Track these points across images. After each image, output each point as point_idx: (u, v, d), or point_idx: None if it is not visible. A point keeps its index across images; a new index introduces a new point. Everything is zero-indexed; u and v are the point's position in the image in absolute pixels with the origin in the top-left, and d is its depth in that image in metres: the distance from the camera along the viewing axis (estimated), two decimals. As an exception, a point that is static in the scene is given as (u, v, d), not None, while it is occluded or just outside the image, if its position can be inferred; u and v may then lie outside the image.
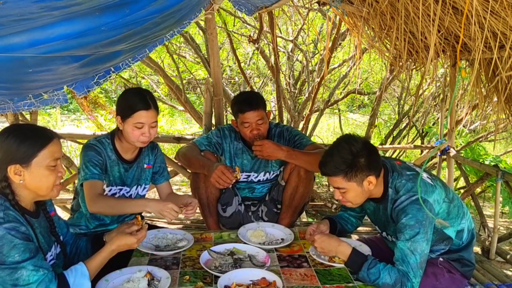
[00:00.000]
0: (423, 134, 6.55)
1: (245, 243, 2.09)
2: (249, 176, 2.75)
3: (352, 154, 1.80)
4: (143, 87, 2.49)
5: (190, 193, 2.82)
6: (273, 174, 2.77)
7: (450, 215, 1.90)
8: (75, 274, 1.53)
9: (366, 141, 1.89)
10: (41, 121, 8.88)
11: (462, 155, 4.47)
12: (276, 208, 2.71)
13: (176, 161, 3.24)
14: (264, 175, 2.76)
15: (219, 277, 1.72)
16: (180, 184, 5.90)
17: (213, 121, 3.44)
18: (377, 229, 2.14)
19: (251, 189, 2.82)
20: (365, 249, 2.02)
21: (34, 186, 1.54)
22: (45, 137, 1.56)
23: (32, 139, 1.53)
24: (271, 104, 7.03)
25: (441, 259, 1.97)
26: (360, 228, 3.63)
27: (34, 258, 1.44)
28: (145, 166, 2.33)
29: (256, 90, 6.36)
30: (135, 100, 2.10)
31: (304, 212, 4.15)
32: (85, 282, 1.55)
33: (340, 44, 5.42)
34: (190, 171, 3.02)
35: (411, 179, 1.85)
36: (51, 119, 9.39)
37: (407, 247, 1.76)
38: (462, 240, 1.99)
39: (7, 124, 3.21)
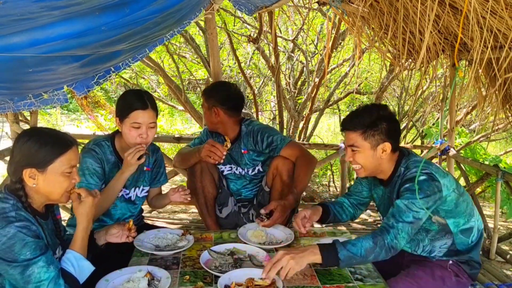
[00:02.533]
0: (423, 134, 6.55)
1: (245, 243, 2.09)
2: (231, 168, 2.77)
3: (378, 116, 1.87)
4: (143, 88, 2.48)
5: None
6: (249, 171, 2.74)
7: (457, 207, 1.90)
8: (72, 262, 1.56)
9: (393, 113, 1.98)
10: (41, 121, 8.88)
11: (461, 155, 4.47)
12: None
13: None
14: (242, 170, 2.76)
15: (219, 277, 1.72)
16: (180, 184, 5.90)
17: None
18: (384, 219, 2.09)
19: (238, 191, 2.82)
20: None
21: (46, 191, 1.56)
22: (64, 144, 1.57)
23: (51, 144, 1.54)
24: (271, 104, 7.03)
25: (450, 262, 1.95)
26: (359, 227, 3.64)
27: (44, 254, 1.46)
28: (145, 168, 2.32)
29: (256, 90, 6.36)
30: (132, 100, 2.10)
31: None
32: (85, 264, 1.59)
33: (340, 44, 5.42)
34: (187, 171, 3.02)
35: (427, 163, 1.89)
36: (51, 119, 9.39)
37: (404, 204, 1.75)
38: (472, 239, 1.97)
39: (7, 124, 3.22)
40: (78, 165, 1.69)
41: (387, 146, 1.88)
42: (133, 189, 2.29)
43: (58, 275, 1.48)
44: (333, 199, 4.59)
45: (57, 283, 1.46)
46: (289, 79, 6.26)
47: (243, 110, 2.90)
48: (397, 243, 1.72)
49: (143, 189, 2.34)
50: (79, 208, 1.65)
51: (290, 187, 2.51)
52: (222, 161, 2.46)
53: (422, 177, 1.79)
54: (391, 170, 1.95)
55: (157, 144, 2.59)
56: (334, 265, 1.73)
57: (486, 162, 4.59)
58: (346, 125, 1.92)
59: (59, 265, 1.53)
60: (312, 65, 5.93)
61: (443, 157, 3.88)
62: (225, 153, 2.40)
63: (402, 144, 6.43)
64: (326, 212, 2.16)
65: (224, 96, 2.61)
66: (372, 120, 1.86)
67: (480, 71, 3.04)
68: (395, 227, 1.73)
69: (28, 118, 3.38)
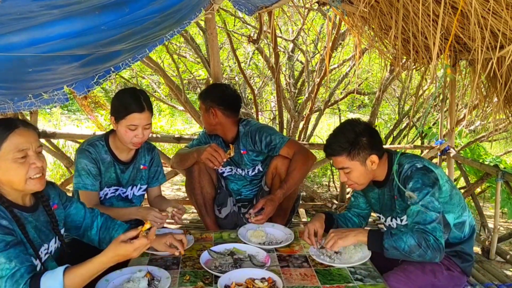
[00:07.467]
0: (423, 134, 6.55)
1: (245, 243, 2.09)
2: (232, 169, 2.78)
3: (355, 133, 1.89)
4: (140, 88, 2.47)
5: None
6: (249, 172, 2.75)
7: (452, 199, 1.94)
8: (49, 275, 1.39)
9: (368, 124, 2.00)
10: (42, 121, 8.89)
11: (461, 155, 4.46)
12: None
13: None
14: (242, 171, 2.76)
15: (219, 277, 1.72)
16: (180, 184, 5.89)
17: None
18: (382, 219, 2.14)
19: (239, 191, 2.82)
20: (365, 249, 1.99)
21: (6, 180, 1.48)
22: (4, 128, 1.46)
23: None
24: (271, 104, 7.02)
25: None
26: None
27: (7, 250, 1.36)
28: (141, 167, 2.33)
29: (256, 90, 6.36)
30: (129, 102, 2.10)
31: (304, 212, 4.16)
32: (55, 286, 1.37)
33: (340, 44, 5.41)
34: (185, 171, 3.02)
35: (415, 156, 1.96)
36: (52, 119, 9.40)
37: (419, 207, 1.79)
38: (464, 233, 2.00)
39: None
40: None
41: (374, 157, 1.92)
42: (130, 187, 2.29)
43: (22, 274, 1.35)
44: (334, 200, 4.58)
45: (17, 281, 1.33)
46: (289, 79, 6.26)
47: (243, 110, 2.89)
48: (439, 242, 1.75)
49: (140, 188, 2.34)
50: (119, 248, 1.47)
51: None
52: (220, 168, 2.45)
53: (418, 172, 1.84)
54: (385, 171, 2.00)
55: (157, 144, 2.58)
56: (379, 251, 1.81)
57: (486, 162, 4.58)
58: (329, 152, 1.96)
59: (27, 263, 1.39)
60: (312, 65, 5.92)
61: (443, 157, 3.88)
62: (225, 160, 2.41)
63: (402, 144, 6.45)
64: (329, 220, 2.17)
65: (220, 96, 2.61)
66: (350, 140, 1.89)
67: (480, 71, 3.03)
68: (428, 229, 1.76)
69: (28, 118, 3.37)
